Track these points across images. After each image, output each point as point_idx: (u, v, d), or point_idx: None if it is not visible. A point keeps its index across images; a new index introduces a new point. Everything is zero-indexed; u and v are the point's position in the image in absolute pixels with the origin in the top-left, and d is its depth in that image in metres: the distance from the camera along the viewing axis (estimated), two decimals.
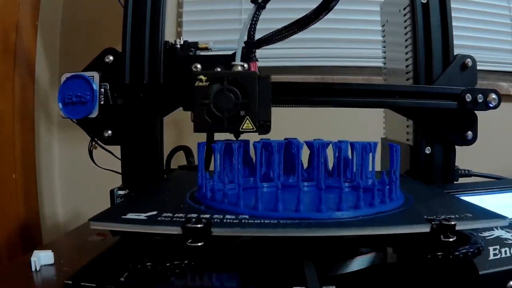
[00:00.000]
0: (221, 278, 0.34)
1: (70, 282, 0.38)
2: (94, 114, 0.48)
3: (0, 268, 0.59)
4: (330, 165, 0.47)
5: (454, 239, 0.31)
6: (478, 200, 0.49)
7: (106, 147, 0.54)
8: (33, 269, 0.47)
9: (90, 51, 0.52)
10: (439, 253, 0.32)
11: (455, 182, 0.56)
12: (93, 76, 0.49)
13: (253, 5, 0.46)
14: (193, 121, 0.43)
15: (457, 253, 0.32)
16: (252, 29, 0.46)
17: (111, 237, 0.47)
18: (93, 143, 0.54)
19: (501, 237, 0.43)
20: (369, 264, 0.44)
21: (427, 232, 0.31)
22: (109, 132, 0.52)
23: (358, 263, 0.44)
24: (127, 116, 0.51)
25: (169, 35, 0.57)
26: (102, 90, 0.49)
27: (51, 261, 0.49)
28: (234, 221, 0.32)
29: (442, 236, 0.31)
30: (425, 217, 0.33)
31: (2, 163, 0.79)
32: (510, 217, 0.46)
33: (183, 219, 0.32)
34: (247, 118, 0.42)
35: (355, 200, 0.35)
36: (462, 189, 0.51)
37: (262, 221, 0.32)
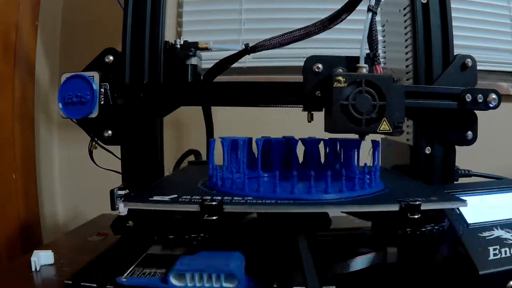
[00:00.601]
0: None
1: (70, 282, 0.39)
2: (94, 114, 0.48)
3: (0, 268, 0.59)
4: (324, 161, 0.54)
5: (419, 216, 0.37)
6: (478, 200, 0.49)
7: (106, 147, 0.54)
8: (33, 269, 0.47)
9: (90, 51, 0.52)
10: (408, 229, 0.39)
11: (455, 182, 0.56)
12: (93, 76, 0.49)
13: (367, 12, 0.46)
14: (329, 121, 0.44)
15: (423, 229, 0.39)
16: (374, 36, 0.46)
17: (111, 237, 0.47)
18: (93, 143, 0.54)
19: (501, 237, 0.43)
20: (369, 264, 0.44)
21: (396, 211, 0.38)
22: (109, 132, 0.52)
23: (358, 263, 0.44)
24: (127, 116, 0.51)
25: (169, 35, 0.57)
26: (102, 90, 0.49)
27: (51, 261, 0.49)
28: (241, 201, 0.39)
29: (409, 214, 0.37)
30: (397, 199, 0.39)
31: (2, 163, 0.79)
32: (510, 217, 0.46)
33: (200, 200, 0.38)
34: (384, 120, 0.43)
35: (340, 186, 0.42)
36: (462, 189, 0.51)
37: (263, 201, 0.40)
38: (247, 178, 0.43)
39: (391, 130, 0.43)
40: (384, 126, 0.43)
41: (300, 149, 0.54)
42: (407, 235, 0.39)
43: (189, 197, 0.40)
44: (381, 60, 0.74)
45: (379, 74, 0.45)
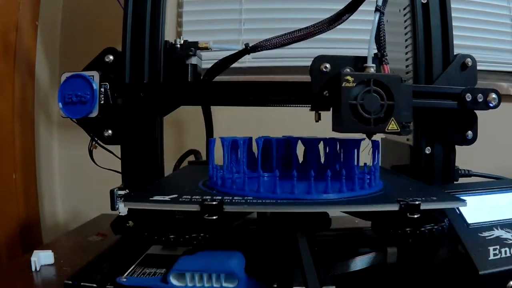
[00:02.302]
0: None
1: (70, 282, 0.39)
2: (94, 113, 0.48)
3: (0, 268, 0.59)
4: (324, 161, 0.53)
5: (418, 216, 0.38)
6: (478, 200, 0.49)
7: (106, 146, 0.54)
8: (33, 269, 0.47)
9: (90, 51, 0.52)
10: (407, 229, 0.39)
11: (455, 182, 0.56)
12: (93, 76, 0.49)
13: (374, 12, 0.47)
14: (338, 121, 0.44)
15: (423, 229, 0.39)
16: (382, 36, 0.47)
17: (111, 237, 0.47)
18: (93, 142, 0.54)
19: (501, 237, 0.43)
20: (369, 264, 0.44)
21: (396, 210, 0.38)
22: (109, 131, 0.52)
23: (358, 263, 0.44)
24: (127, 116, 0.51)
25: (169, 35, 0.57)
26: (102, 89, 0.49)
27: (51, 261, 0.49)
28: (241, 200, 0.39)
29: (408, 214, 0.38)
30: (396, 198, 0.39)
31: (2, 163, 0.79)
32: (510, 217, 0.46)
33: (200, 199, 0.38)
34: (392, 119, 0.43)
35: (339, 186, 0.42)
36: (462, 189, 0.51)
37: (263, 201, 0.39)
38: (247, 178, 0.43)
39: (399, 130, 0.43)
40: (392, 125, 0.43)
41: (300, 149, 0.54)
42: (407, 235, 0.39)
43: (189, 197, 0.40)
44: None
45: (387, 73, 0.46)
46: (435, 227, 0.39)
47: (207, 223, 0.37)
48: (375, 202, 0.40)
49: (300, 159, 0.54)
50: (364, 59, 0.46)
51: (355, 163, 0.48)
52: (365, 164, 0.47)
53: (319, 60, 0.47)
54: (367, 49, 0.45)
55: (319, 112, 0.50)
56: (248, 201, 0.39)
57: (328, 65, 0.47)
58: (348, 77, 0.42)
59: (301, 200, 0.40)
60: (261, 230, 0.48)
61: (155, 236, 0.39)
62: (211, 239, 0.39)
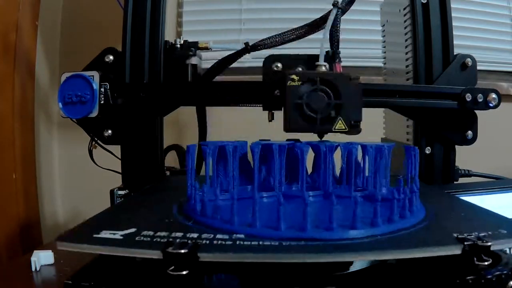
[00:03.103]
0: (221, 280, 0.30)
1: (70, 282, 0.38)
2: (94, 113, 0.48)
3: (0, 268, 0.59)
4: (337, 169, 0.43)
5: (489, 262, 0.27)
6: (478, 200, 0.49)
7: (106, 146, 0.54)
8: (33, 269, 0.47)
9: (90, 51, 0.52)
10: (469, 277, 0.27)
11: (455, 182, 0.56)
12: (93, 76, 0.49)
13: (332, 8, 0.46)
14: (285, 121, 0.43)
15: (489, 276, 0.28)
16: (335, 32, 0.46)
17: None
18: (93, 142, 0.54)
19: None
20: (369, 264, 0.44)
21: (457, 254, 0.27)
22: (109, 131, 0.52)
23: (358, 263, 0.44)
24: (127, 116, 0.51)
25: (169, 35, 0.57)
26: (102, 89, 0.49)
27: (51, 261, 0.49)
28: (227, 242, 0.27)
29: (475, 259, 0.27)
30: (455, 235, 0.28)
31: (2, 163, 0.79)
32: (510, 217, 0.46)
33: (165, 240, 0.27)
34: (340, 119, 0.42)
35: (372, 215, 0.30)
36: (462, 189, 0.51)
37: (260, 242, 0.27)
38: (237, 202, 0.30)
39: (347, 129, 0.42)
40: (340, 124, 0.42)
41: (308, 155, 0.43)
42: (468, 285, 0.28)
43: (151, 233, 0.28)
44: (381, 60, 0.74)
45: (335, 72, 0.45)
46: (504, 271, 0.28)
47: (174, 278, 0.25)
48: (428, 242, 0.28)
49: (308, 169, 0.43)
50: (317, 58, 0.45)
51: (385, 179, 0.39)
52: (399, 179, 0.33)
53: (270, 59, 0.47)
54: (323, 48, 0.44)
55: (272, 112, 0.49)
56: (238, 243, 0.27)
57: (279, 64, 0.47)
58: (294, 76, 0.41)
59: (316, 240, 0.27)
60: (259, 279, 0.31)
61: None
62: None
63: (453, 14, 0.55)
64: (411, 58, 0.56)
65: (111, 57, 0.51)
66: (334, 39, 0.46)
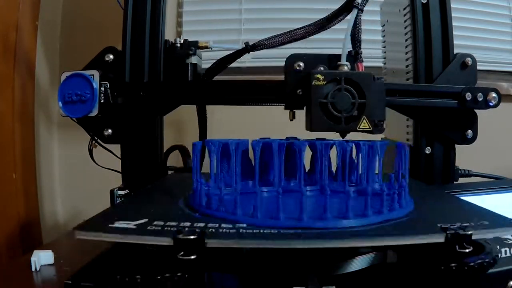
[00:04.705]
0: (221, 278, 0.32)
1: (70, 282, 0.38)
2: (94, 112, 0.48)
3: (0, 268, 0.59)
4: (333, 166, 0.45)
5: (470, 249, 0.29)
6: (478, 200, 0.49)
7: (106, 146, 0.54)
8: (33, 269, 0.47)
9: (90, 51, 0.52)
10: (452, 264, 0.30)
11: (455, 182, 0.56)
12: (93, 75, 0.49)
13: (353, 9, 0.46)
14: (309, 120, 0.44)
15: (472, 263, 0.30)
16: (358, 34, 0.46)
17: None
18: (93, 142, 0.54)
19: (501, 237, 0.43)
20: (369, 264, 0.44)
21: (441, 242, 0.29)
22: (109, 131, 0.52)
23: (358, 263, 0.44)
24: (127, 115, 0.51)
25: (169, 35, 0.57)
26: (102, 88, 0.49)
27: (51, 261, 0.49)
28: (231, 230, 0.30)
29: (457, 247, 0.29)
30: (439, 225, 0.30)
31: (2, 163, 0.79)
32: (510, 217, 0.46)
33: (175, 229, 0.29)
34: (364, 118, 0.42)
35: (363, 207, 0.33)
36: (462, 189, 0.51)
37: (261, 230, 0.30)
38: (239, 195, 0.33)
39: (371, 128, 0.42)
40: (364, 124, 0.42)
41: (306, 153, 0.46)
42: (452, 271, 0.30)
43: (162, 223, 0.30)
44: (381, 59, 0.74)
45: (359, 71, 0.45)
46: (486, 259, 0.30)
47: (183, 263, 0.28)
48: (413, 231, 0.31)
49: (306, 166, 0.45)
50: (339, 57, 0.45)
51: (377, 174, 0.41)
52: (390, 174, 0.38)
53: (293, 58, 0.47)
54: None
55: (294, 111, 0.50)
56: (241, 231, 0.30)
57: (301, 64, 0.46)
58: (318, 75, 0.42)
59: (312, 229, 0.30)
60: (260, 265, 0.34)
61: (116, 276, 0.30)
62: (191, 279, 0.29)
63: (453, 14, 0.55)
64: (411, 58, 0.56)
65: (111, 56, 0.51)
66: (356, 40, 0.46)
